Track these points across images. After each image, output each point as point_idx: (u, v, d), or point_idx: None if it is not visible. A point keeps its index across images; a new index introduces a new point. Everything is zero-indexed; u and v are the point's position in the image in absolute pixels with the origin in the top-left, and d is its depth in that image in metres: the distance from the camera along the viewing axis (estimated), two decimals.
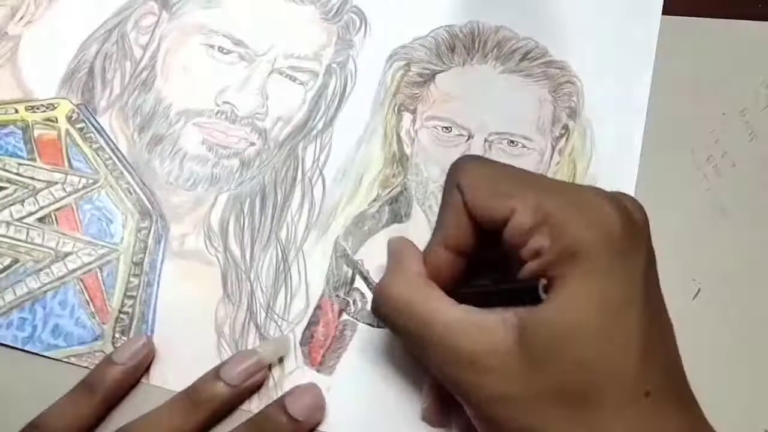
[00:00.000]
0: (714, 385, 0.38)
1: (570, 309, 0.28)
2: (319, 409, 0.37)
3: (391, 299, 0.32)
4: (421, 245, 0.43)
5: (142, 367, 0.39)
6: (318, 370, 0.39)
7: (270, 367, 0.39)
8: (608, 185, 0.43)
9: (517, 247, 0.30)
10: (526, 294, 0.29)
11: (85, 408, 0.37)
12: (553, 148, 0.46)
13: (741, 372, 0.39)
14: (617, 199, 0.30)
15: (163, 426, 0.36)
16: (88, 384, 0.37)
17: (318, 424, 0.38)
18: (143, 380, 0.39)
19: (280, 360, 0.39)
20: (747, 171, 0.44)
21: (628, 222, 0.29)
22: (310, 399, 0.37)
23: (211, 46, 0.46)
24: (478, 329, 0.29)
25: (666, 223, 0.41)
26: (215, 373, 0.37)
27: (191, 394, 0.37)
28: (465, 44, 0.48)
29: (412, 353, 0.34)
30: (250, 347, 0.40)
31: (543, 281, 0.28)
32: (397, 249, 0.35)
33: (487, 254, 0.33)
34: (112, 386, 0.38)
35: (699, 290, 0.41)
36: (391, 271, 0.34)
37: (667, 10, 0.48)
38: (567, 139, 0.46)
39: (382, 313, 0.33)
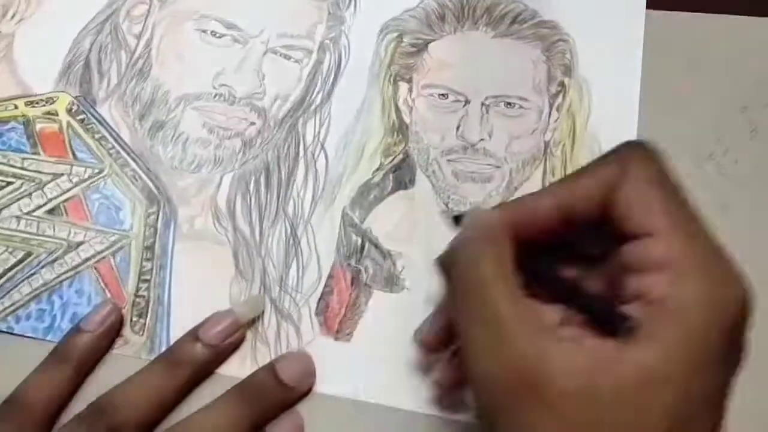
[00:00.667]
0: None
1: (655, 367, 0.25)
2: (309, 375, 0.38)
3: (464, 264, 0.28)
4: (427, 210, 0.44)
5: (111, 333, 0.39)
6: (335, 338, 0.40)
7: (248, 325, 0.39)
8: (609, 136, 0.45)
9: (628, 269, 0.27)
10: (604, 319, 0.27)
11: (59, 377, 0.37)
12: (551, 106, 0.46)
13: (742, 374, 0.39)
14: (745, 280, 0.27)
15: (144, 388, 0.36)
16: (59, 354, 0.38)
17: (309, 390, 0.38)
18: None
19: (254, 321, 0.40)
20: (749, 168, 0.43)
21: (745, 328, 0.27)
22: (301, 365, 0.38)
23: (204, 31, 0.47)
24: (544, 338, 0.26)
25: None
26: (193, 335, 0.38)
27: (171, 357, 0.37)
28: (455, 12, 0.49)
29: (449, 314, 0.32)
30: (266, 323, 0.40)
31: (626, 327, 0.26)
32: (482, 222, 0.30)
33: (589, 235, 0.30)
34: (83, 354, 0.38)
35: None
36: (474, 239, 0.29)
37: (668, 6, 0.48)
38: (564, 96, 0.46)
39: (448, 271, 0.30)
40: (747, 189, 0.43)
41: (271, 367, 0.37)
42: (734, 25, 0.47)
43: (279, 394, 0.37)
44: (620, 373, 0.25)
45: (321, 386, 0.38)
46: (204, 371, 0.38)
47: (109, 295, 0.41)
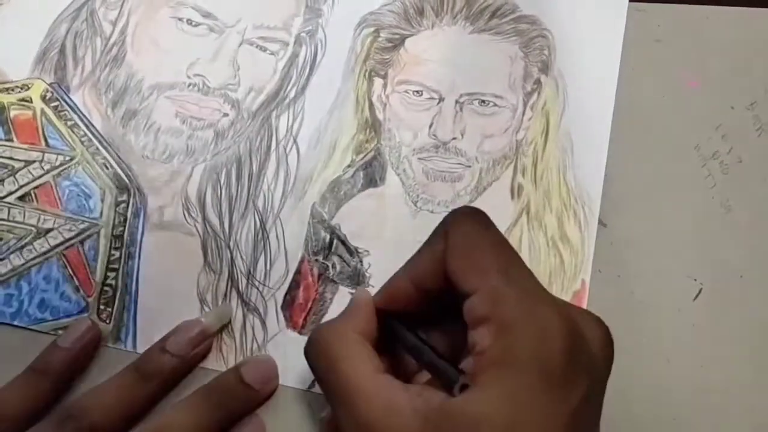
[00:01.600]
0: (715, 388, 0.39)
1: (479, 416, 0.27)
2: (273, 378, 0.39)
3: (321, 345, 0.32)
4: (397, 208, 0.44)
5: (89, 349, 0.39)
6: (300, 333, 0.41)
7: (215, 334, 0.40)
8: (581, 136, 0.45)
9: (468, 327, 0.29)
10: (447, 378, 0.29)
11: (36, 391, 0.37)
12: (525, 104, 0.46)
13: (743, 374, 0.39)
14: (575, 321, 0.29)
15: (113, 399, 0.37)
16: (36, 369, 0.38)
17: (273, 393, 0.39)
18: (128, 348, 0.40)
19: (222, 328, 0.40)
20: (754, 167, 0.42)
21: (577, 353, 0.28)
22: (265, 368, 0.38)
23: (180, 19, 0.47)
24: (387, 407, 0.29)
25: (668, 222, 0.42)
26: (161, 346, 0.38)
27: (140, 368, 0.38)
28: (434, 6, 0.48)
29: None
30: (233, 315, 0.41)
31: (459, 384, 0.28)
32: (354, 302, 0.34)
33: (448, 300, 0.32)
34: (60, 369, 0.38)
35: (700, 291, 0.41)
36: (336, 320, 0.34)
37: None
38: (539, 94, 0.46)
39: (311, 355, 0.33)
40: (751, 190, 0.42)
41: (236, 370, 0.38)
42: (742, 18, 0.46)
43: (244, 396, 0.37)
44: (452, 425, 0.27)
45: (283, 379, 0.39)
46: (172, 381, 0.38)
47: (76, 282, 0.41)
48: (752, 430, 0.38)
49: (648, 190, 0.43)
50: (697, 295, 0.41)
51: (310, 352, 0.33)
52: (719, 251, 0.41)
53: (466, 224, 0.32)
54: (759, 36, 0.45)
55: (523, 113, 0.46)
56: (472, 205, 0.44)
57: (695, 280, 0.41)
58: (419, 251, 0.34)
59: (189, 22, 0.46)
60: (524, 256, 0.43)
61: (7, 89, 0.45)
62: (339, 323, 0.33)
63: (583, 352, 0.29)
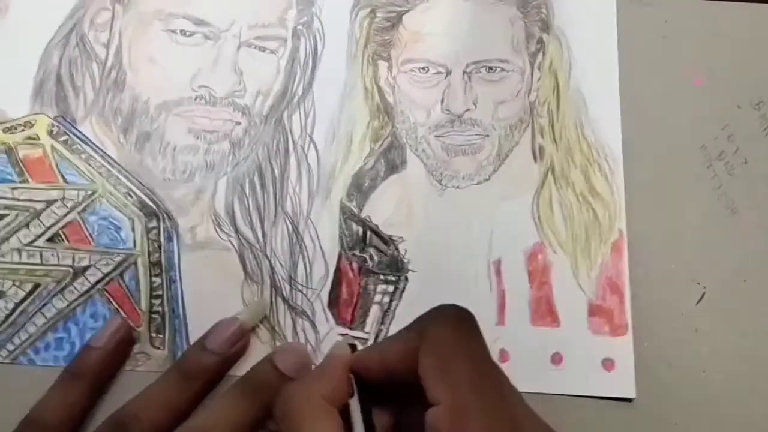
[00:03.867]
0: (717, 393, 0.39)
1: None
2: (307, 365, 0.39)
3: (288, 407, 0.31)
4: (423, 190, 0.44)
5: (123, 347, 0.40)
6: (350, 328, 0.41)
7: (253, 329, 0.40)
8: (591, 90, 0.45)
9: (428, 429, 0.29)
10: None
11: (74, 395, 0.38)
12: (532, 65, 0.46)
13: (744, 379, 0.40)
14: None
15: (160, 403, 0.37)
16: (72, 372, 0.38)
17: None
18: None
19: (260, 322, 0.41)
20: (760, 169, 0.42)
21: None
22: (298, 355, 0.39)
23: (173, 31, 0.45)
24: None
25: (672, 224, 0.42)
26: (201, 345, 0.39)
27: (182, 368, 0.38)
28: None
29: None
30: (282, 321, 0.41)
31: None
32: (328, 360, 0.34)
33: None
34: (96, 370, 0.38)
35: (703, 294, 0.41)
36: (307, 381, 0.33)
37: None
38: (544, 53, 0.46)
39: (277, 414, 0.32)
40: (756, 191, 0.42)
41: (269, 360, 0.38)
42: (750, 14, 0.45)
43: (279, 384, 0.37)
44: None
45: None
46: (215, 379, 0.39)
47: (124, 314, 0.41)
48: None
49: (652, 191, 0.43)
50: (700, 299, 0.41)
51: (276, 411, 0.32)
52: (723, 254, 0.41)
53: (446, 330, 0.31)
54: (766, 33, 0.45)
55: (532, 74, 0.46)
56: (497, 173, 0.44)
57: (698, 283, 0.41)
58: (395, 336, 0.33)
59: (183, 32, 0.45)
60: (557, 215, 0.43)
61: (9, 129, 0.44)
62: (309, 385, 0.32)
63: None
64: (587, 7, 0.47)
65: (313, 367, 0.39)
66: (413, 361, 0.30)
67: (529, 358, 0.41)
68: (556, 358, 0.41)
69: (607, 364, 0.40)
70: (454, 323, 0.31)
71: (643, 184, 0.43)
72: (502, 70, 0.46)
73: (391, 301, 0.42)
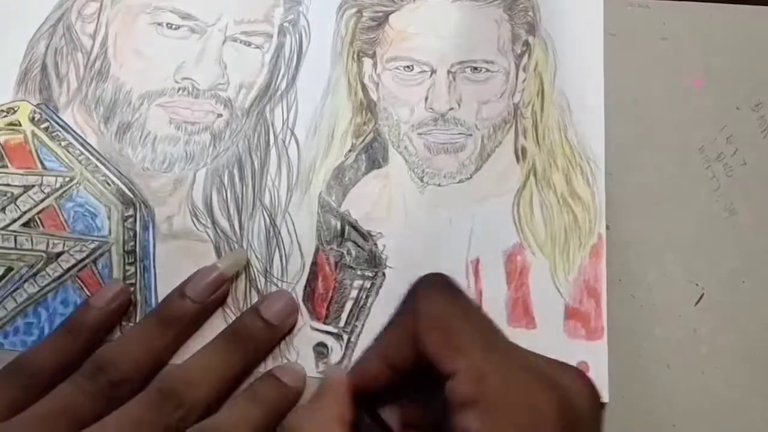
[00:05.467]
0: (716, 394, 0.39)
1: None
2: (292, 313, 0.39)
3: None
4: (404, 186, 0.44)
5: (120, 310, 0.39)
6: (324, 322, 0.41)
7: (231, 279, 0.40)
8: (576, 93, 0.45)
9: (451, 409, 0.28)
10: None
11: (66, 350, 0.37)
12: (517, 67, 0.46)
13: (743, 380, 0.39)
14: (564, 387, 0.28)
15: (140, 345, 0.37)
16: (68, 329, 0.38)
17: (292, 327, 0.39)
18: None
19: (238, 273, 0.41)
20: (759, 170, 0.42)
21: (569, 424, 0.27)
22: (283, 304, 0.39)
23: (160, 24, 0.46)
24: None
25: (671, 225, 0.42)
26: (180, 292, 0.38)
27: (161, 315, 0.38)
28: None
29: None
30: None
31: None
32: (327, 384, 0.34)
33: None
34: (93, 329, 0.38)
35: (702, 295, 0.41)
36: (312, 407, 0.33)
37: None
38: (530, 56, 0.46)
39: None
40: (755, 193, 0.42)
41: (254, 309, 0.38)
42: (748, 16, 0.45)
43: (265, 333, 0.38)
44: None
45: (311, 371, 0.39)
46: (193, 326, 0.39)
47: None
48: None
49: (651, 193, 0.43)
50: (698, 300, 0.41)
51: None
52: (722, 256, 0.41)
53: (437, 298, 0.31)
54: (764, 36, 0.45)
55: (517, 76, 0.46)
56: (479, 173, 0.44)
57: (697, 284, 0.41)
58: (388, 328, 0.33)
59: (169, 26, 0.46)
60: (537, 216, 0.43)
61: None
62: (316, 411, 0.32)
63: (574, 421, 0.28)
64: (574, 11, 0.47)
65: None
66: (416, 344, 0.30)
67: None
68: None
69: (582, 366, 0.40)
70: (440, 292, 0.31)
71: (642, 185, 0.43)
72: (487, 70, 0.46)
73: (367, 297, 0.41)
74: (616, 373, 0.39)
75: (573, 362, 0.40)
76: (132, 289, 0.41)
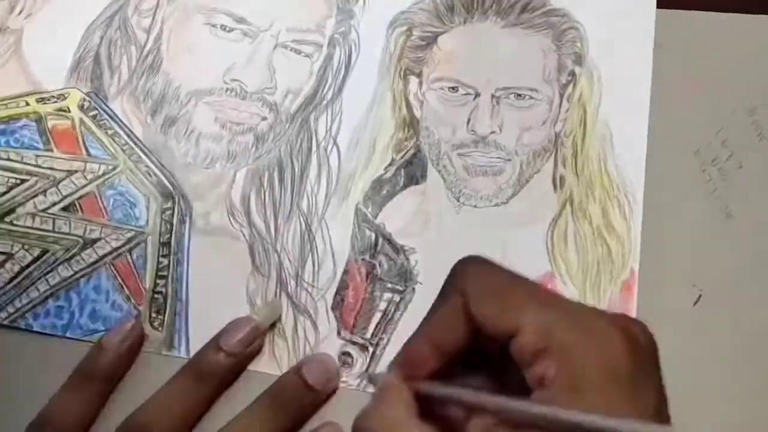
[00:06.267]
0: (715, 395, 0.39)
1: None
2: (334, 378, 0.38)
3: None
4: (440, 205, 0.44)
5: (134, 349, 0.39)
6: (352, 333, 0.41)
7: (267, 330, 0.40)
8: (619, 126, 0.45)
9: (522, 365, 0.28)
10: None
11: (85, 397, 0.37)
12: (561, 96, 0.46)
13: (743, 380, 0.39)
14: (624, 324, 0.29)
15: (173, 404, 0.37)
16: (83, 374, 0.38)
17: (334, 391, 0.39)
18: (181, 355, 0.40)
19: (273, 324, 0.40)
20: (754, 173, 0.42)
21: (637, 351, 0.28)
22: (325, 368, 0.38)
23: (214, 25, 0.47)
24: None
25: (668, 228, 0.42)
26: (216, 345, 0.38)
27: (195, 369, 0.38)
28: (464, 3, 0.48)
29: None
30: (283, 317, 0.41)
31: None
32: (386, 385, 0.32)
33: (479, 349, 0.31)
34: (108, 373, 0.38)
35: (700, 296, 0.41)
36: (376, 409, 0.31)
37: (673, 4, 0.46)
38: (575, 85, 0.47)
39: None
40: (751, 196, 0.42)
41: (297, 371, 0.38)
42: (742, 24, 0.46)
43: (308, 398, 0.37)
44: None
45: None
46: (228, 380, 0.38)
47: (127, 291, 0.41)
48: None
49: (648, 195, 0.43)
50: (696, 301, 0.41)
51: None
52: (719, 257, 0.41)
53: (480, 271, 0.30)
54: (759, 42, 0.45)
55: (560, 105, 0.47)
56: (515, 198, 0.44)
57: (695, 285, 0.41)
58: (433, 312, 0.32)
59: (223, 27, 0.46)
60: (570, 246, 0.43)
61: (43, 99, 0.45)
62: (384, 410, 0.30)
63: (640, 349, 0.28)
64: (624, 44, 0.47)
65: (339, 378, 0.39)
66: (468, 319, 0.29)
67: None
68: None
69: None
70: (481, 264, 0.31)
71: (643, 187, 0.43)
72: (531, 98, 0.46)
73: (395, 310, 0.41)
74: None
75: None
76: (164, 281, 0.41)
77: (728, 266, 0.41)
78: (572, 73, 0.47)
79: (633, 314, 0.41)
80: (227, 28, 0.46)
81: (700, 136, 0.44)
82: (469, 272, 0.30)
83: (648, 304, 0.41)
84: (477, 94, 0.46)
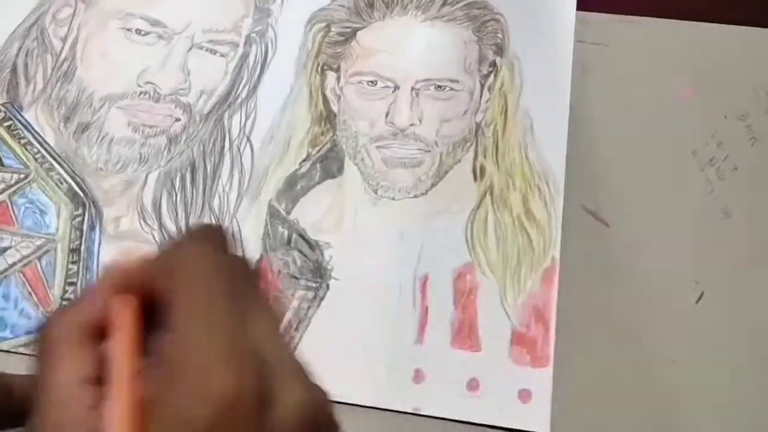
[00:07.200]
0: (718, 388, 0.39)
1: None
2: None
3: (42, 340, 0.22)
4: (357, 198, 0.43)
5: None
6: None
7: None
8: (540, 114, 0.44)
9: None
10: None
11: None
12: (482, 86, 0.46)
13: (744, 374, 0.39)
14: (261, 392, 0.21)
15: None
16: None
17: None
18: None
19: None
20: (749, 175, 0.43)
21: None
22: None
23: (129, 29, 0.46)
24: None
25: (669, 226, 0.42)
26: None
27: None
28: None
29: None
30: None
31: None
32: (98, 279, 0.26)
33: None
34: None
35: (702, 293, 0.41)
36: (69, 307, 0.24)
37: (668, 14, 0.48)
38: (495, 76, 0.46)
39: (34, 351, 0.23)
40: (747, 197, 0.43)
41: None
42: (730, 35, 0.47)
43: None
44: None
45: None
46: None
47: (35, 298, 0.41)
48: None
49: (650, 194, 0.43)
50: (699, 298, 0.41)
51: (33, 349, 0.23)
52: (719, 255, 0.42)
53: (190, 252, 0.23)
54: (747, 52, 0.46)
55: (481, 95, 0.46)
56: (435, 189, 0.43)
57: (697, 283, 0.41)
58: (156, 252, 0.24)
59: (138, 31, 0.46)
60: (490, 236, 0.42)
61: None
62: (68, 313, 0.23)
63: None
64: (544, 34, 0.46)
65: None
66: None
67: (444, 382, 0.39)
68: (473, 384, 0.38)
69: (524, 395, 0.38)
70: (198, 243, 0.23)
71: (641, 188, 0.43)
72: (452, 89, 0.45)
73: (308, 308, 0.40)
74: (622, 370, 0.39)
75: (515, 389, 0.38)
76: (73, 288, 0.41)
77: (729, 264, 0.41)
78: (493, 64, 0.46)
79: (553, 305, 0.40)
80: (142, 32, 0.46)
81: (696, 138, 0.44)
82: (181, 248, 0.23)
83: (651, 300, 0.41)
84: (396, 87, 0.45)
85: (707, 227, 0.42)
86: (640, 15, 0.48)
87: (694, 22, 0.47)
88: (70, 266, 0.41)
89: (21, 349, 0.40)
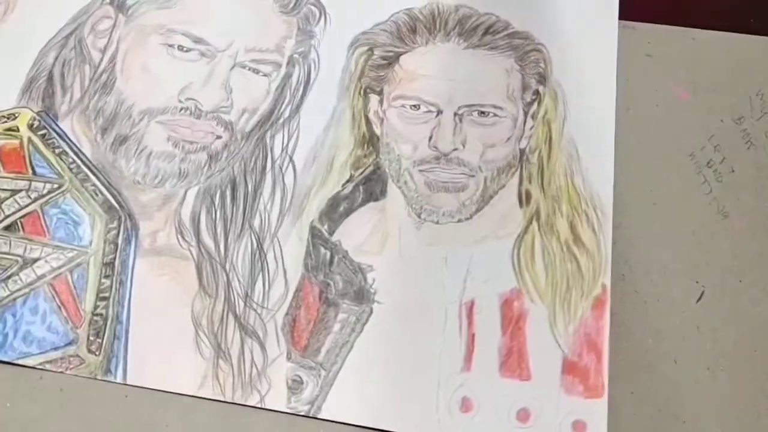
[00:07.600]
0: (721, 388, 0.39)
1: None
2: None
3: None
4: (400, 221, 0.42)
5: None
6: (303, 355, 0.38)
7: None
8: (585, 141, 0.44)
9: None
10: None
11: None
12: (526, 114, 0.45)
13: (747, 374, 0.39)
14: None
15: None
16: None
17: None
18: (117, 380, 0.37)
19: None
20: (746, 178, 0.44)
21: None
22: None
23: (171, 45, 0.46)
24: None
25: (670, 226, 0.42)
26: None
27: None
28: (426, 25, 0.48)
29: None
30: (228, 338, 0.38)
31: None
32: None
33: None
34: None
35: (703, 293, 0.41)
36: None
37: (668, 21, 0.48)
38: (539, 104, 0.45)
39: None
40: (744, 198, 0.43)
41: None
42: (726, 41, 0.48)
43: None
44: None
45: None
46: None
47: (65, 313, 0.39)
48: (758, 430, 0.38)
49: (649, 195, 0.43)
50: (699, 298, 0.41)
51: None
52: (719, 255, 0.42)
53: None
54: (744, 59, 0.47)
55: (525, 122, 0.45)
56: (479, 214, 0.42)
57: (697, 282, 0.41)
58: None
59: (180, 48, 0.46)
60: (538, 262, 0.41)
61: None
62: None
63: None
64: (587, 63, 0.47)
65: None
66: None
67: (493, 411, 0.37)
68: (522, 415, 0.37)
69: (578, 426, 0.36)
70: None
71: (641, 189, 0.43)
72: (495, 115, 0.45)
73: (351, 331, 0.39)
74: (624, 368, 0.38)
75: (569, 420, 0.37)
76: (105, 303, 0.39)
77: (728, 264, 0.42)
78: (536, 92, 0.46)
79: (605, 333, 0.39)
80: (184, 48, 0.46)
81: (694, 141, 0.45)
82: None
83: (652, 299, 0.41)
84: (439, 112, 0.45)
85: (707, 228, 0.42)
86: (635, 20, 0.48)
87: (692, 29, 0.48)
88: (103, 280, 0.39)
89: (47, 366, 0.38)
